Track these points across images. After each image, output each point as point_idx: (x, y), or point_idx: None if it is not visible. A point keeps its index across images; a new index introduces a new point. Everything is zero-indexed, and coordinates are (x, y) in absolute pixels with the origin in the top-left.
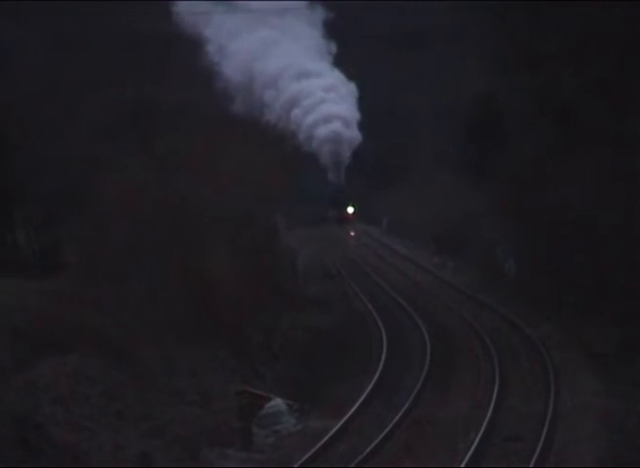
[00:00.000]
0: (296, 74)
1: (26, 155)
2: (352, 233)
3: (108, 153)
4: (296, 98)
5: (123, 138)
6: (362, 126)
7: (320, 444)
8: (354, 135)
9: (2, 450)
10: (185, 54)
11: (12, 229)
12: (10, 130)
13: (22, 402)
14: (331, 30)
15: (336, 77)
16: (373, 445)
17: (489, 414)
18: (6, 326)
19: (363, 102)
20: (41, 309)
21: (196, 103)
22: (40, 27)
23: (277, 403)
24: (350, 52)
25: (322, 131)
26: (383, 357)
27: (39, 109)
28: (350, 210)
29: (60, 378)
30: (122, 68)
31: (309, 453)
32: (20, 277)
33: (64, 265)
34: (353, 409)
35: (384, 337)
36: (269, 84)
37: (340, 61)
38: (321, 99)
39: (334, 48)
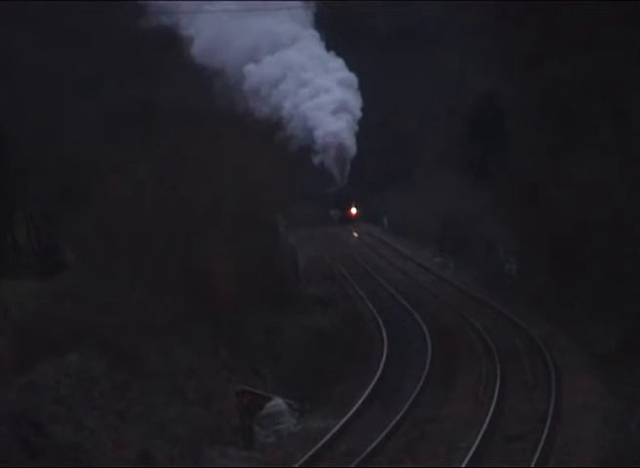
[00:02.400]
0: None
1: (26, 155)
2: (356, 234)
3: (108, 153)
4: (298, 95)
5: (123, 138)
6: (364, 126)
7: (321, 443)
8: (354, 131)
9: (3, 450)
10: (183, 53)
11: (12, 229)
12: (10, 130)
13: (24, 401)
14: (331, 30)
15: (339, 74)
16: (373, 445)
17: (490, 414)
18: (7, 325)
19: (364, 103)
20: (42, 309)
21: (195, 102)
22: (39, 27)
23: (278, 402)
24: (351, 51)
25: (326, 130)
26: (384, 356)
27: (39, 109)
28: (354, 210)
29: (62, 378)
30: (121, 68)
31: (310, 453)
32: (21, 277)
33: (65, 265)
34: (354, 409)
35: (385, 337)
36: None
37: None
38: (324, 96)
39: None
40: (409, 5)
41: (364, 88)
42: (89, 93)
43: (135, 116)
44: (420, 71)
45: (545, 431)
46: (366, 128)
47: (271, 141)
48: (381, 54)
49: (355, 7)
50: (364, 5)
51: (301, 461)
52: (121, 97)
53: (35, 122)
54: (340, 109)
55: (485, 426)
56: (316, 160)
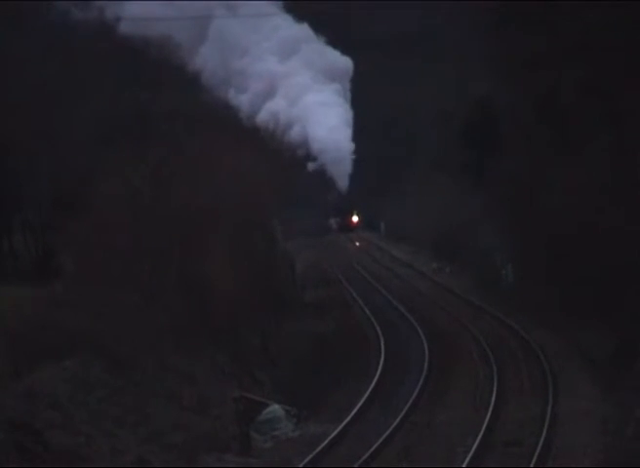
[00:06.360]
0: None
1: (24, 161)
2: (357, 243)
3: (105, 158)
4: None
5: (119, 144)
6: (361, 130)
7: (318, 449)
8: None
9: (0, 456)
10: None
11: (9, 234)
12: (7, 135)
13: (20, 408)
14: (330, 32)
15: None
16: (371, 450)
17: (487, 419)
18: (4, 332)
19: (362, 107)
20: (39, 315)
21: (191, 107)
22: (35, 32)
23: (275, 408)
24: (349, 56)
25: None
26: (381, 362)
27: (36, 115)
28: (355, 218)
29: (58, 384)
30: (118, 73)
31: (308, 459)
32: (18, 283)
33: (62, 270)
34: (352, 415)
35: (382, 342)
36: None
37: None
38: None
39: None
40: (407, 10)
41: (363, 93)
42: (85, 98)
43: (130, 122)
44: (417, 75)
45: (542, 436)
46: (363, 132)
47: (268, 146)
48: (380, 59)
49: (354, 9)
50: (363, 7)
51: (300, 466)
52: (116, 103)
53: (31, 128)
54: (292, 52)
55: (482, 431)
56: (312, 164)
